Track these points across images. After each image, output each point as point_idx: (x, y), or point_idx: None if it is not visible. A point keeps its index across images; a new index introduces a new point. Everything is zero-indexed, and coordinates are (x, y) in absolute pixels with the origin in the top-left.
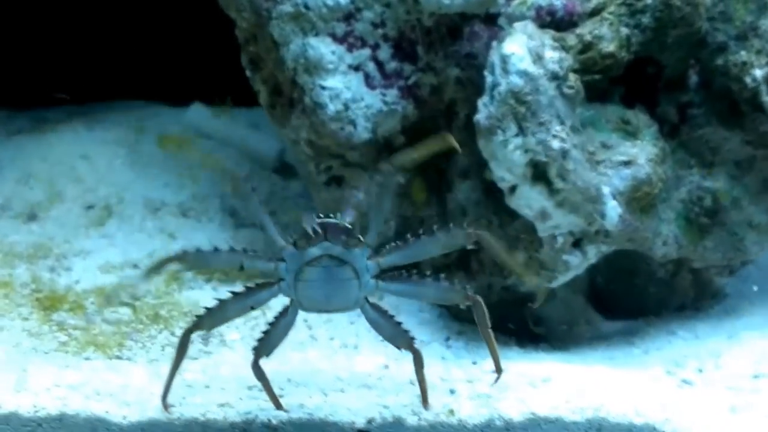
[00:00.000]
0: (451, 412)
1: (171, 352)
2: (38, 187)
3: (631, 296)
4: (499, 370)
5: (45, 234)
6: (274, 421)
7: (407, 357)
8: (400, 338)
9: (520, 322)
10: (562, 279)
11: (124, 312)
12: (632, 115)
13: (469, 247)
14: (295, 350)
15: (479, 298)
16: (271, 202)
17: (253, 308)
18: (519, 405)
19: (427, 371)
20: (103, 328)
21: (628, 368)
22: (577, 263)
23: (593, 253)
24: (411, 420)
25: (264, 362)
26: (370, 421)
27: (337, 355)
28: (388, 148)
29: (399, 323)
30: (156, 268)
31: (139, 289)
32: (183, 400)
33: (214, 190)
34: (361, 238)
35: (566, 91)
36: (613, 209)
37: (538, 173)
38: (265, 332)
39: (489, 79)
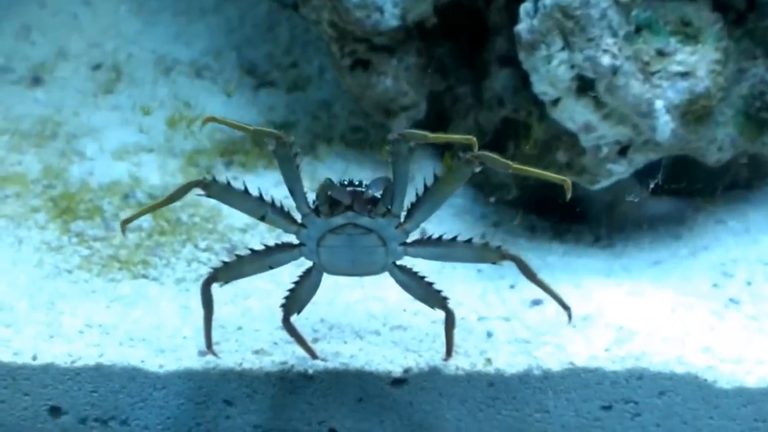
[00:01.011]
0: (488, 361)
1: (197, 268)
2: (40, 42)
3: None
4: (566, 308)
5: (51, 103)
6: (310, 371)
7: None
8: (432, 298)
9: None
10: (605, 183)
11: (144, 217)
12: (693, 12)
13: (477, 169)
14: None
15: (518, 255)
16: (294, 48)
17: (271, 267)
18: (557, 353)
19: (463, 300)
20: (124, 237)
21: (673, 280)
22: (621, 171)
23: (640, 161)
24: (448, 369)
25: None
26: (406, 371)
27: (370, 290)
28: (420, 30)
29: (430, 283)
30: (178, 195)
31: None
32: (217, 347)
33: (230, 39)
34: (389, 208)
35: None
36: (666, 124)
37: (584, 87)
38: (292, 290)
39: None
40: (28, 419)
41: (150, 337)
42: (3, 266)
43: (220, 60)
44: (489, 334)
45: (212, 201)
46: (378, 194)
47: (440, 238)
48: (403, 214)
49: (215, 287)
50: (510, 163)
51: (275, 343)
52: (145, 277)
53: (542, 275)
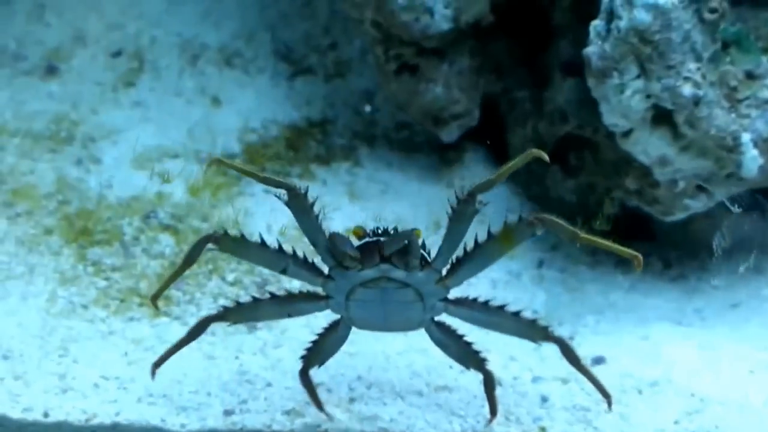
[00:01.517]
0: (543, 430)
1: (224, 304)
2: (55, 24)
3: None
4: (606, 396)
5: (67, 97)
6: None
7: (495, 348)
8: (470, 359)
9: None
10: (680, 216)
11: (166, 242)
12: None
13: (539, 233)
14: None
15: (563, 338)
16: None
17: (290, 316)
18: (620, 423)
19: (516, 353)
20: (145, 264)
21: (752, 329)
22: (699, 206)
23: (721, 195)
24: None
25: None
26: None
27: (414, 340)
28: (474, 31)
29: (469, 343)
30: (194, 256)
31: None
32: (244, 405)
33: (263, 18)
34: (428, 258)
35: (707, 16)
36: (753, 160)
37: (661, 118)
38: (315, 342)
39: (606, 3)
40: None
41: (171, 393)
42: (13, 302)
43: (252, 44)
44: (544, 399)
45: (241, 224)
46: (399, 245)
47: (487, 303)
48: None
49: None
50: (578, 232)
51: (308, 403)
52: (166, 315)
53: (606, 322)
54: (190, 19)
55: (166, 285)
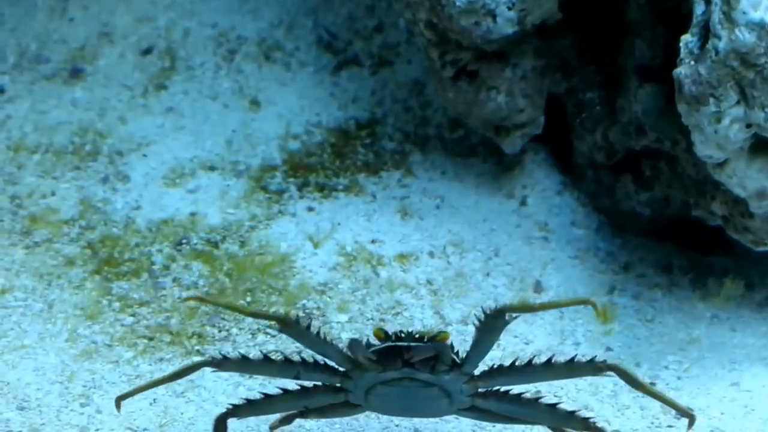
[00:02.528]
0: None
1: (263, 342)
2: (79, 19)
3: None
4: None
5: (93, 104)
6: None
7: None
8: (519, 422)
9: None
10: None
11: (200, 270)
12: None
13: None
14: None
15: (603, 429)
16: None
17: (306, 408)
18: None
19: (590, 402)
20: (176, 296)
21: None
22: None
23: None
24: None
25: None
26: None
27: None
28: (540, 31)
29: (506, 416)
30: (183, 374)
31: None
32: None
33: (303, 1)
34: (456, 360)
35: None
36: None
37: (761, 147)
38: (322, 408)
39: (699, 15)
40: None
41: None
42: (29, 343)
43: (292, 32)
44: None
45: (282, 248)
46: (424, 355)
47: (519, 395)
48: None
49: None
50: (645, 384)
51: None
52: (200, 354)
53: (688, 361)
54: (226, 8)
55: (137, 391)
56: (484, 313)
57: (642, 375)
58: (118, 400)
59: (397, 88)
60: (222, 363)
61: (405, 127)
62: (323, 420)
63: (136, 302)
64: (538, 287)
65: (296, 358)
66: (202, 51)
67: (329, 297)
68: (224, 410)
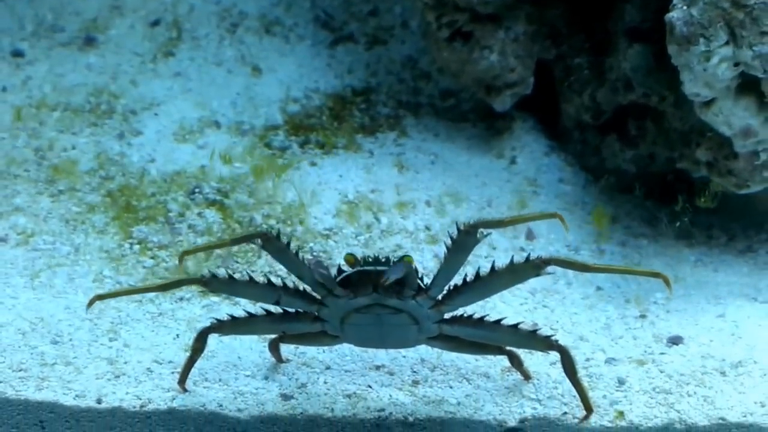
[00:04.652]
0: (621, 414)
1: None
2: None
3: None
4: (588, 410)
5: (106, 69)
6: (410, 419)
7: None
8: (484, 349)
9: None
10: (755, 189)
11: (213, 217)
12: None
13: (543, 274)
14: None
15: (566, 347)
16: None
17: (284, 333)
18: (704, 406)
19: (585, 333)
20: (191, 241)
21: None
22: None
23: None
24: (572, 421)
25: None
26: (522, 421)
27: None
28: None
29: (473, 343)
30: (170, 287)
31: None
32: (303, 389)
33: None
34: (422, 285)
35: None
36: None
37: (747, 87)
38: (303, 335)
39: None
40: None
41: (227, 377)
42: (59, 284)
43: (291, 11)
44: (621, 382)
45: (289, 197)
46: (394, 278)
47: (482, 318)
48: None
49: None
50: (588, 264)
51: (369, 387)
52: (216, 294)
53: (676, 299)
54: None
55: (119, 294)
56: (458, 229)
57: (631, 311)
58: (95, 299)
59: (390, 62)
60: (210, 282)
61: (398, 96)
62: None
63: (155, 245)
64: (530, 235)
65: (279, 282)
66: (207, 24)
67: (334, 241)
68: (208, 324)
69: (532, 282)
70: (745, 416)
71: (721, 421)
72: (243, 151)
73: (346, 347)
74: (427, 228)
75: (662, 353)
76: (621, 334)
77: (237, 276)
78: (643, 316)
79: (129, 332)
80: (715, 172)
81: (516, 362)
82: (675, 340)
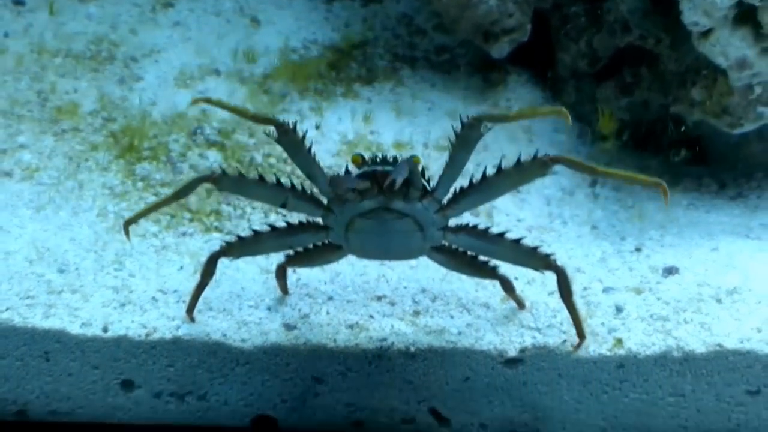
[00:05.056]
0: (619, 341)
1: (276, 220)
2: None
3: None
4: (581, 337)
5: (106, 18)
6: (412, 349)
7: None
8: (482, 271)
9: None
10: (749, 128)
11: (214, 157)
12: None
13: (551, 173)
14: None
15: (563, 267)
16: None
17: (291, 247)
18: (702, 332)
19: (581, 265)
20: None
21: None
22: None
23: None
24: (570, 349)
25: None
26: (523, 350)
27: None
28: None
29: (474, 257)
30: (184, 192)
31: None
32: (306, 319)
33: None
34: (428, 187)
35: None
36: None
37: (744, 16)
38: (307, 251)
39: None
40: (98, 393)
41: (231, 308)
42: (64, 217)
43: None
44: (618, 309)
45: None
46: (400, 179)
47: (487, 230)
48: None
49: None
50: (595, 167)
51: (371, 317)
52: (218, 230)
53: (671, 235)
54: None
55: (144, 213)
56: (462, 123)
57: (627, 246)
58: (127, 225)
59: (386, 18)
60: (220, 179)
61: (394, 50)
62: None
63: (158, 182)
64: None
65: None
66: None
67: None
68: (217, 248)
69: (528, 220)
70: (742, 342)
71: (718, 348)
72: (243, 97)
73: (347, 278)
74: (426, 169)
75: (658, 282)
76: (617, 266)
77: (249, 176)
78: (638, 250)
79: (134, 263)
80: (709, 112)
81: (508, 288)
82: (671, 270)
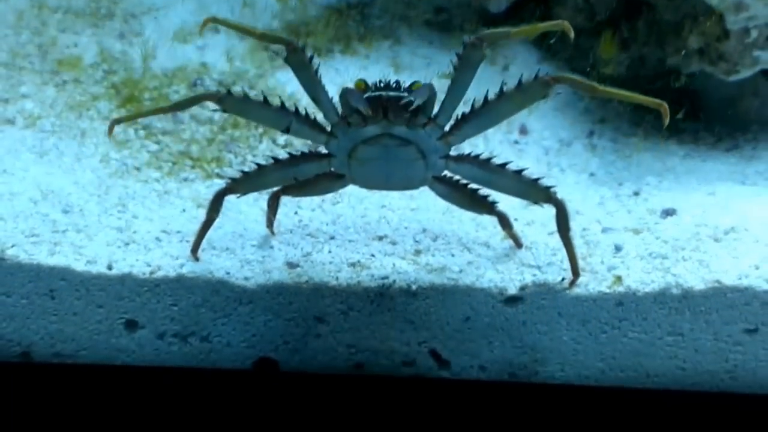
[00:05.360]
0: (618, 279)
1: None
2: None
3: None
4: (575, 274)
5: None
6: (413, 287)
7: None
8: (479, 205)
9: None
10: (746, 74)
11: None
12: None
13: (553, 93)
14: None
15: (563, 201)
16: None
17: (296, 179)
18: (700, 269)
19: (580, 208)
20: (194, 130)
21: None
22: None
23: None
24: (567, 289)
25: (404, 200)
26: (523, 288)
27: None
28: None
29: (474, 190)
30: (184, 105)
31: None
32: (308, 257)
33: None
34: (432, 117)
35: None
36: None
37: None
38: (307, 181)
39: None
40: (102, 333)
41: (233, 246)
42: (68, 162)
43: None
44: (618, 248)
45: (292, 89)
46: (419, 102)
47: (489, 160)
48: (454, 125)
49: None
50: (596, 85)
51: (373, 256)
52: (219, 176)
53: (668, 182)
54: None
55: (137, 116)
56: (464, 44)
57: (625, 190)
58: (114, 122)
59: None
60: (225, 98)
61: (392, 11)
62: None
63: (159, 131)
64: (523, 130)
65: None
66: None
67: None
68: (223, 186)
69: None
70: (740, 279)
71: (716, 284)
72: (242, 53)
73: (349, 219)
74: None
75: (657, 223)
76: (616, 208)
77: (252, 96)
78: (636, 194)
79: (137, 206)
80: (706, 60)
81: (506, 224)
82: (669, 212)
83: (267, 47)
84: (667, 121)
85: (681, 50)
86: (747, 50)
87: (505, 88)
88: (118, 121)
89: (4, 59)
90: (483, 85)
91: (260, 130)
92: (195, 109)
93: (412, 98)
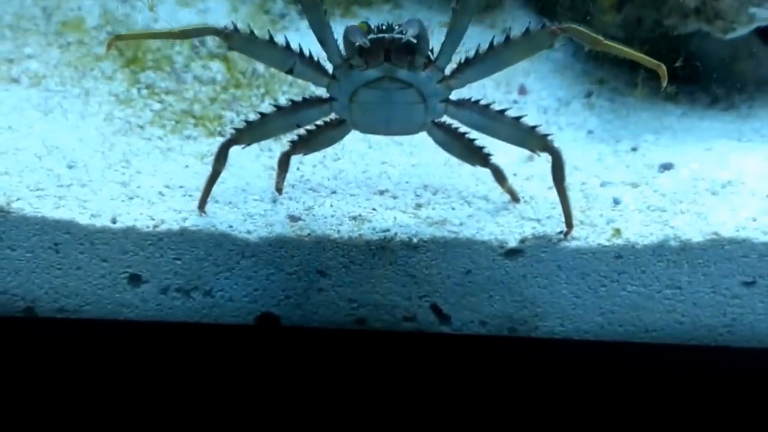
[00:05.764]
0: (617, 231)
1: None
2: None
3: None
4: (569, 225)
5: None
6: (414, 240)
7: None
8: (474, 156)
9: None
10: (742, 32)
11: (217, 68)
12: None
13: (557, 44)
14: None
15: (559, 150)
16: None
17: (299, 126)
18: (698, 222)
19: (578, 163)
20: (197, 90)
21: None
22: (765, 15)
23: None
24: (570, 240)
25: (404, 156)
26: (523, 241)
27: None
28: None
29: (471, 140)
30: (190, 34)
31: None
32: (310, 211)
33: None
34: (431, 57)
35: None
36: None
37: None
38: (310, 132)
39: None
40: (106, 288)
41: (236, 201)
42: (71, 120)
43: None
44: (616, 202)
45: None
46: (412, 34)
47: (488, 105)
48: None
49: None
50: (600, 38)
51: (374, 209)
52: (221, 135)
53: (665, 138)
54: None
55: (139, 37)
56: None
57: (623, 147)
58: (115, 39)
59: None
60: (231, 35)
61: None
62: None
63: (162, 90)
64: (522, 90)
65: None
66: None
67: None
68: (227, 137)
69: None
70: (738, 231)
71: (714, 236)
72: (244, 16)
73: (350, 174)
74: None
75: (654, 177)
76: (614, 164)
77: (257, 36)
78: (634, 150)
79: (140, 162)
80: (703, 19)
81: (500, 178)
82: (666, 167)
83: (267, 11)
84: (665, 83)
85: (677, 10)
86: (743, 7)
87: (511, 35)
88: (119, 38)
89: (9, 21)
90: (484, 42)
91: (262, 89)
92: (198, 70)
93: (412, 39)
